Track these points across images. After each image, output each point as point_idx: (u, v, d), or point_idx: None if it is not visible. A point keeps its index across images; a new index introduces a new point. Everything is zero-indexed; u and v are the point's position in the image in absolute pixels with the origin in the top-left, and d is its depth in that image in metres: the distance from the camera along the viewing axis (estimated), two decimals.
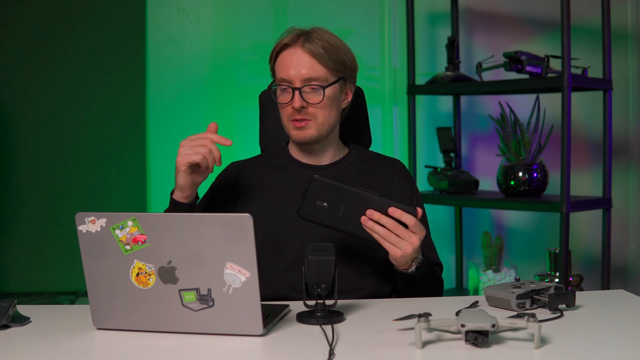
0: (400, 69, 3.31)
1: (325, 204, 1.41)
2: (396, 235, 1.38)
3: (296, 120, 1.58)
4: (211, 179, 1.69)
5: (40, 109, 4.34)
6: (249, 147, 1.94)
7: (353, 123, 1.79)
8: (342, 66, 1.60)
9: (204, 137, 1.47)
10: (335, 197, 1.40)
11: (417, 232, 1.39)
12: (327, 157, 1.67)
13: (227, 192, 1.67)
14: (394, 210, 1.37)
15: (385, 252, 1.61)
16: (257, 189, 1.66)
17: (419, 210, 1.39)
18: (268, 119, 1.82)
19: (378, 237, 1.39)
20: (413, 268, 1.48)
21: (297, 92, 1.56)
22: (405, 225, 1.38)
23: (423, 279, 1.51)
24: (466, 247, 3.29)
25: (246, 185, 1.66)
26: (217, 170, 1.71)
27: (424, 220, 1.70)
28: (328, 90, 1.57)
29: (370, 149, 1.82)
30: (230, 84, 3.39)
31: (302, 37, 1.58)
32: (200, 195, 1.68)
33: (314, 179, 1.42)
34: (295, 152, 1.69)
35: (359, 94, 1.80)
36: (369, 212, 1.38)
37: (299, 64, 1.56)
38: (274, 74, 1.64)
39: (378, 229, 1.38)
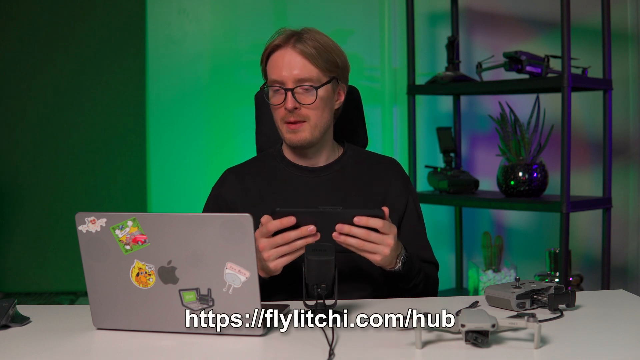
0: (400, 69, 3.31)
1: None
2: (371, 242, 1.37)
3: (289, 122, 1.57)
4: (209, 188, 1.69)
5: (40, 108, 4.34)
6: (249, 147, 1.94)
7: (349, 122, 1.79)
8: (334, 66, 1.59)
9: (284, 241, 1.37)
10: (303, 222, 1.36)
11: (389, 232, 1.38)
12: (321, 159, 1.66)
13: (226, 200, 1.65)
14: (359, 219, 1.35)
15: None
16: (254, 194, 1.64)
17: (386, 210, 1.38)
18: (264, 119, 1.82)
19: (354, 249, 1.38)
20: (399, 265, 1.47)
21: (289, 93, 1.55)
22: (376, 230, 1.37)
23: (412, 274, 1.52)
24: (466, 247, 3.29)
25: (244, 191, 1.65)
26: (215, 179, 1.71)
27: (419, 219, 1.69)
28: (320, 91, 1.57)
29: (370, 149, 1.81)
30: (230, 84, 3.39)
31: (294, 37, 1.57)
32: (201, 204, 1.68)
33: (276, 212, 1.36)
34: (289, 154, 1.68)
35: (354, 93, 1.80)
36: (338, 226, 1.36)
37: (291, 65, 1.56)
38: (265, 76, 1.63)
39: (351, 241, 1.36)
